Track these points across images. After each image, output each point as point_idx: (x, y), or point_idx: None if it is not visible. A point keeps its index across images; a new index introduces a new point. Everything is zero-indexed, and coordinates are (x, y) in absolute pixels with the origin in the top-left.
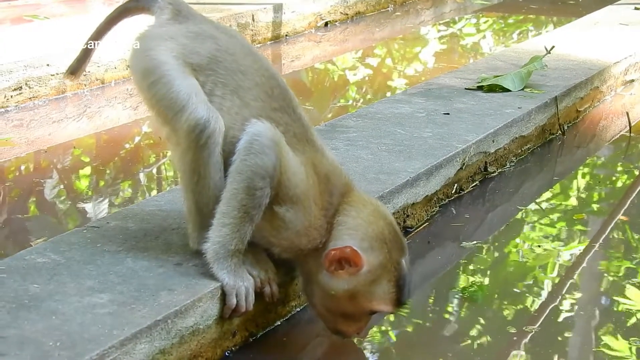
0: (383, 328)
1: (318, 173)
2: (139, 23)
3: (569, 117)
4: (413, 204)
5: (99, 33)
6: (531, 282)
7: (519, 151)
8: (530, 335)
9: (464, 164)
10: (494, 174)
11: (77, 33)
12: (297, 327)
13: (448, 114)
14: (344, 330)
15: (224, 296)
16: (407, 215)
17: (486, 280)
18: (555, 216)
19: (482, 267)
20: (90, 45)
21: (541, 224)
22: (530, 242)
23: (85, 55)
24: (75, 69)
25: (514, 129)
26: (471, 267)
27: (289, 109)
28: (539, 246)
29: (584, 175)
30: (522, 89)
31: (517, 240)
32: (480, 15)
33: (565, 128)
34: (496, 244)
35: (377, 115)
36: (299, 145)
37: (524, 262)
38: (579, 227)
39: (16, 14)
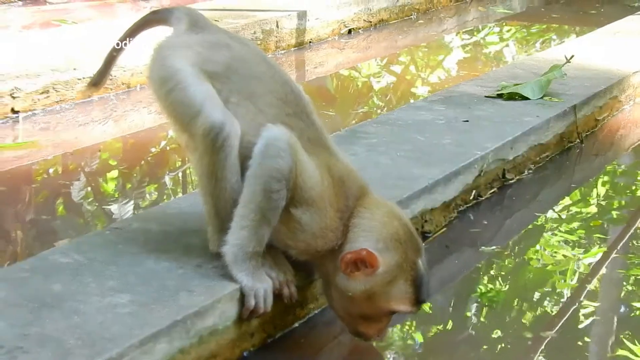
0: (402, 332)
1: (333, 176)
2: (159, 33)
3: (587, 126)
4: (431, 209)
5: (120, 46)
6: (550, 288)
7: (537, 159)
8: (547, 340)
9: (482, 170)
10: (512, 181)
11: (104, 38)
12: (315, 330)
13: (467, 121)
14: (364, 331)
15: (242, 297)
16: (426, 221)
17: (505, 286)
18: (574, 224)
19: (500, 273)
20: (113, 56)
21: (560, 230)
22: (549, 248)
23: (107, 66)
24: (98, 81)
25: (532, 137)
26: (490, 272)
27: (302, 115)
28: (558, 252)
29: (602, 184)
30: (542, 98)
31: (536, 246)
32: (504, 24)
33: (584, 136)
34: (515, 249)
35: (397, 122)
36: (313, 149)
37: (543, 268)
38: (598, 234)
39: (45, 19)
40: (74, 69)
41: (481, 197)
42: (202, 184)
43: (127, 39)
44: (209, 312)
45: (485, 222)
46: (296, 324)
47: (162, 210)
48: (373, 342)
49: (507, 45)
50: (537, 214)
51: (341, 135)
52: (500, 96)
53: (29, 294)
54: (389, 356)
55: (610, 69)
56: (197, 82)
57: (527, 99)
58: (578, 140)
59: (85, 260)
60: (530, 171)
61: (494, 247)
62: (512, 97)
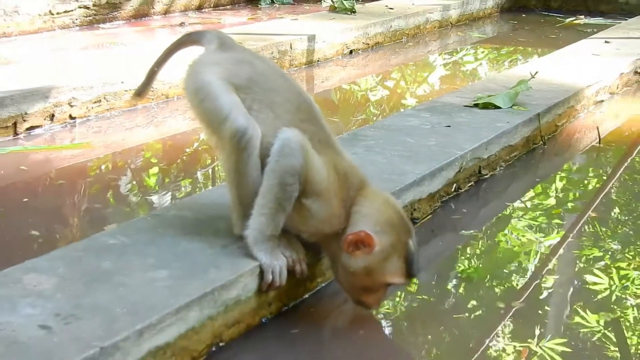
0: (394, 302)
1: (338, 172)
2: (193, 52)
3: (549, 130)
4: (419, 199)
5: (160, 63)
6: (517, 265)
7: (508, 158)
8: (516, 309)
9: (461, 167)
10: (487, 176)
11: (147, 56)
12: (322, 300)
13: (449, 126)
14: (365, 301)
15: (261, 273)
16: (414, 209)
17: (480, 264)
18: (537, 212)
19: (477, 252)
20: (154, 72)
21: (525, 218)
22: (516, 232)
23: (149, 80)
24: (141, 92)
25: (503, 139)
26: (468, 252)
27: (314, 120)
28: (524, 236)
29: (561, 179)
30: (511, 107)
31: (506, 231)
32: (478, 46)
33: (546, 139)
34: (488, 232)
35: (390, 127)
36: (322, 149)
37: (511, 249)
38: (557, 221)
39: (98, 41)
40: (122, 82)
41: (461, 189)
42: (229, 178)
43: (166, 56)
44: (234, 285)
45: (465, 210)
46: (306, 295)
47: (195, 201)
48: (372, 310)
49: (480, 64)
50: (507, 203)
51: (344, 138)
52: (476, 105)
53: (83, 270)
54: (383, 323)
55: (568, 83)
56: (225, 92)
57: (499, 108)
58: (541, 142)
59: (130, 241)
60: (502, 168)
61: (472, 231)
62: (487, 106)
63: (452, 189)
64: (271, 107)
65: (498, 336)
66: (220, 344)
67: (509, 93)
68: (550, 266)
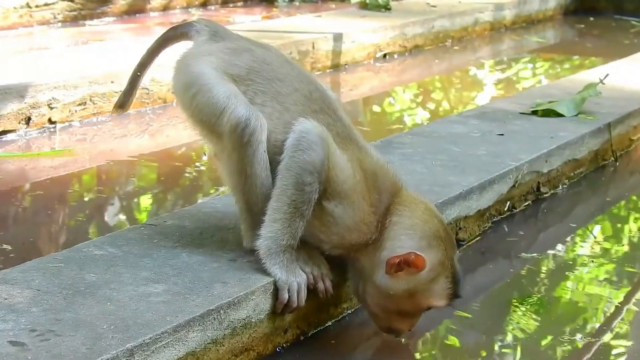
0: (438, 333)
1: (365, 170)
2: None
3: (622, 145)
4: (465, 217)
5: (144, 65)
6: (590, 298)
7: (572, 174)
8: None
9: (516, 181)
10: (547, 195)
11: (142, 53)
12: (348, 329)
13: (502, 134)
14: (397, 327)
15: (276, 291)
16: (460, 228)
17: (544, 292)
18: (608, 239)
19: (540, 278)
20: (137, 77)
21: (596, 243)
22: (585, 260)
23: (132, 87)
24: (124, 103)
25: (567, 151)
26: (530, 277)
27: (329, 111)
28: (594, 263)
29: (636, 202)
30: (576, 115)
31: (571, 258)
32: (537, 56)
33: (618, 155)
34: (552, 257)
35: (432, 134)
36: (343, 143)
37: (580, 277)
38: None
39: (84, 39)
40: (112, 82)
41: (515, 209)
42: (233, 182)
43: (150, 57)
44: (243, 304)
45: (521, 233)
46: (329, 323)
47: (197, 209)
48: (402, 338)
49: (539, 82)
50: (572, 225)
51: (376, 145)
52: (535, 113)
53: (63, 283)
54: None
55: None
56: (220, 82)
57: (561, 116)
58: (612, 158)
59: (120, 252)
60: (565, 186)
61: (534, 254)
62: (547, 114)
63: (505, 208)
64: (277, 99)
65: None
66: None
67: (574, 99)
68: (632, 299)
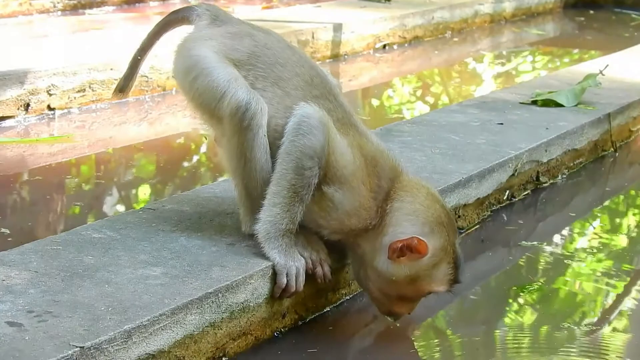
0: (436, 321)
1: (365, 155)
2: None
3: (621, 136)
4: (465, 205)
5: (144, 49)
6: (590, 285)
7: (571, 164)
8: (591, 331)
9: (516, 170)
10: (546, 185)
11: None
12: (346, 315)
13: (502, 124)
14: (397, 311)
15: (274, 275)
16: (459, 216)
17: (545, 279)
18: (607, 229)
19: (541, 266)
20: (138, 61)
21: (594, 234)
22: (583, 252)
23: (133, 71)
24: (124, 87)
25: (566, 141)
26: (530, 265)
27: (330, 96)
28: (593, 254)
29: (636, 193)
30: (576, 105)
31: (571, 246)
32: (537, 49)
33: (618, 146)
34: (552, 245)
35: (432, 123)
36: (343, 128)
37: (579, 268)
38: (630, 244)
39: (83, 27)
40: (111, 69)
41: (515, 197)
42: (233, 166)
43: (151, 40)
44: (241, 288)
45: (520, 222)
46: (328, 309)
47: (196, 194)
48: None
49: (538, 75)
50: (571, 214)
51: (376, 133)
52: (534, 103)
53: (61, 265)
54: (416, 344)
55: None
56: (221, 65)
57: (561, 106)
58: (612, 149)
59: (118, 236)
60: (564, 176)
61: (534, 242)
62: (547, 104)
63: (505, 197)
64: (278, 84)
65: None
66: (224, 359)
67: (573, 89)
68: (632, 288)
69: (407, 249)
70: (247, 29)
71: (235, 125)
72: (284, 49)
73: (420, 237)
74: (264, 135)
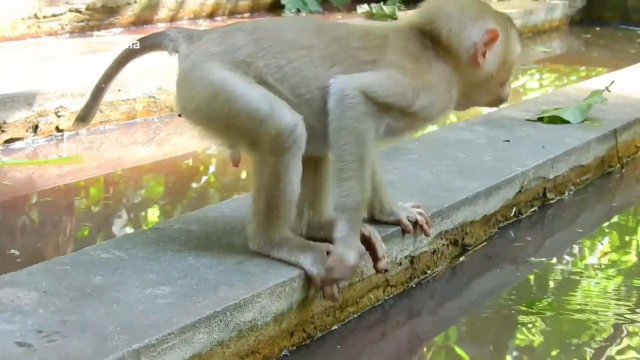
0: (445, 339)
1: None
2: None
3: (628, 152)
4: (472, 222)
5: (108, 77)
6: (600, 302)
7: (578, 181)
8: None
9: (523, 187)
10: (553, 201)
11: (150, 64)
12: (354, 333)
13: (508, 141)
14: (505, 95)
15: (287, 290)
16: (466, 234)
17: (552, 297)
18: (614, 246)
19: (550, 284)
20: (101, 89)
21: (602, 250)
22: (592, 266)
23: (95, 100)
24: (85, 116)
25: (573, 157)
26: (539, 282)
27: (347, 51)
28: (602, 271)
29: None
30: (582, 122)
31: (580, 263)
32: (543, 68)
33: (625, 162)
34: (562, 262)
35: (438, 140)
36: (372, 64)
37: (589, 285)
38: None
39: (91, 49)
40: (119, 90)
41: (522, 214)
42: (260, 182)
43: (116, 69)
44: (249, 306)
45: (528, 239)
46: (336, 326)
47: (204, 214)
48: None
49: (546, 92)
50: (579, 231)
51: (382, 151)
52: (541, 120)
53: (69, 285)
54: None
55: None
56: (248, 86)
57: (568, 122)
58: (619, 165)
59: (126, 255)
60: (571, 192)
61: (542, 259)
62: (553, 120)
63: (512, 213)
64: (291, 66)
65: None
66: None
67: (579, 106)
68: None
69: (485, 45)
70: (224, 29)
71: (276, 146)
72: (276, 22)
73: (481, 29)
74: (300, 158)
